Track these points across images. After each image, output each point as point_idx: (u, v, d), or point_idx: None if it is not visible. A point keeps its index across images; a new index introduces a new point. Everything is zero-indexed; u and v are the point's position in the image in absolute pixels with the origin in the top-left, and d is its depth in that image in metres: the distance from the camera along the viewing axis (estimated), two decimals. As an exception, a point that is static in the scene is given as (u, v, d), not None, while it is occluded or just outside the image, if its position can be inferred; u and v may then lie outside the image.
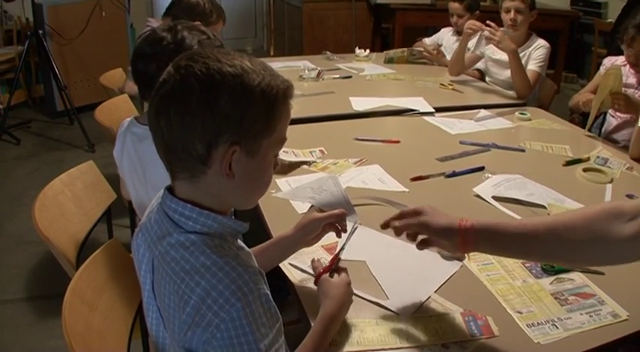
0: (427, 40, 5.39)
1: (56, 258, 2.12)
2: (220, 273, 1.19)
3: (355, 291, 1.71)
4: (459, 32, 5.03)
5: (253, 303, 1.18)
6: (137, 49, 2.14)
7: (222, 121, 1.20)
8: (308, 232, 1.75)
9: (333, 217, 1.76)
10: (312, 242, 1.78)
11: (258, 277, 1.24)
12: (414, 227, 1.62)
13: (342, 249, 1.75)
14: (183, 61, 1.24)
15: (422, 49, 5.08)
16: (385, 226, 1.68)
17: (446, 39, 5.25)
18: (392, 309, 1.66)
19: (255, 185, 1.33)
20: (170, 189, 1.34)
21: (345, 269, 1.66)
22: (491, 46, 4.14)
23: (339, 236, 1.77)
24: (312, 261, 1.68)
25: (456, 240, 1.53)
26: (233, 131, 1.21)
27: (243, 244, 1.41)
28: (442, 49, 5.19)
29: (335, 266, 1.67)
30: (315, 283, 1.60)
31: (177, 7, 3.74)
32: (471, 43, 4.43)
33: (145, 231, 1.37)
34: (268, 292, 1.25)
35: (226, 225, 1.30)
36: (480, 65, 4.79)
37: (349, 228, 1.79)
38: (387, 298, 1.71)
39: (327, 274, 1.63)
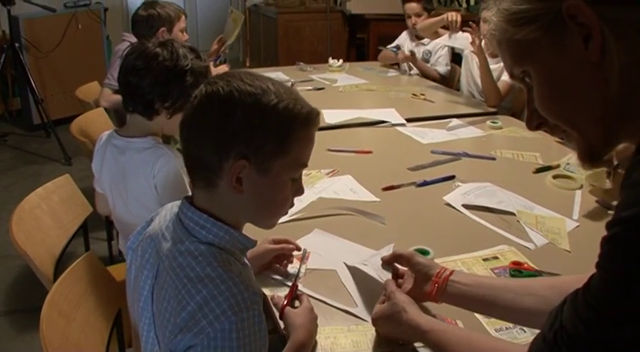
0: (389, 47, 5.42)
1: (34, 271, 2.15)
2: (223, 286, 1.23)
3: (326, 300, 1.76)
4: (417, 36, 5.13)
5: (247, 321, 1.22)
6: (128, 64, 2.17)
7: (233, 135, 1.26)
8: (260, 260, 1.86)
9: (285, 250, 1.90)
10: (259, 270, 1.87)
11: (257, 298, 1.28)
12: (403, 254, 1.66)
13: (298, 276, 1.85)
14: (212, 80, 1.33)
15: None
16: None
17: (406, 45, 5.28)
18: (361, 317, 1.69)
19: (267, 205, 1.38)
20: (188, 199, 1.39)
21: (305, 296, 1.71)
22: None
23: (283, 268, 1.89)
24: (272, 297, 1.72)
25: (432, 273, 1.57)
26: (243, 146, 1.27)
27: (247, 261, 1.46)
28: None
29: (295, 295, 1.72)
30: (281, 318, 1.63)
31: (136, 25, 3.81)
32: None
33: (155, 238, 1.41)
34: (263, 315, 1.29)
35: (237, 240, 1.35)
36: (442, 68, 4.91)
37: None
38: (357, 306, 1.74)
39: (290, 305, 1.67)
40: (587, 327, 0.86)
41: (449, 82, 5.00)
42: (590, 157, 1.03)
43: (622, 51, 0.89)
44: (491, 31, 1.05)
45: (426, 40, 5.08)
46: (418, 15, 5.01)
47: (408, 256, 1.64)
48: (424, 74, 4.99)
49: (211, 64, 3.95)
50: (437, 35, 4.61)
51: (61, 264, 2.25)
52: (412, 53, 5.05)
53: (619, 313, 0.84)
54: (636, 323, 0.82)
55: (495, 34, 1.03)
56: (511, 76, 1.08)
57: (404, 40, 5.32)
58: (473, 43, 3.91)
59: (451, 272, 1.55)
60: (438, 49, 4.99)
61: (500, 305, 1.46)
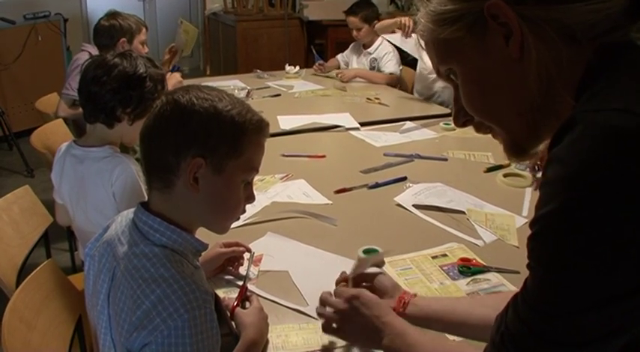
0: (339, 57, 5.50)
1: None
2: (175, 285, 1.29)
3: (278, 300, 1.82)
4: (363, 45, 5.20)
5: (199, 318, 1.28)
6: (89, 75, 2.23)
7: (191, 137, 1.35)
8: (213, 264, 1.93)
9: (237, 253, 1.97)
10: (212, 273, 1.94)
11: (208, 296, 1.33)
12: (369, 275, 1.67)
13: (247, 277, 1.92)
14: (172, 90, 1.44)
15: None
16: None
17: (354, 57, 5.36)
18: (312, 315, 1.73)
19: (220, 205, 1.45)
20: (143, 204, 1.45)
21: (254, 297, 1.76)
22: None
23: (235, 270, 1.97)
24: (223, 299, 1.75)
25: (396, 294, 1.57)
26: (200, 146, 1.35)
27: (199, 264, 1.50)
28: (350, 65, 5.36)
29: (244, 296, 1.77)
30: (231, 318, 1.68)
31: (97, 35, 3.85)
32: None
33: (112, 243, 1.45)
34: (215, 314, 1.35)
35: (189, 242, 1.41)
36: (392, 68, 5.00)
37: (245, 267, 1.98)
38: (308, 305, 1.79)
39: (240, 306, 1.72)
40: (528, 325, 0.91)
41: (403, 81, 5.10)
42: (515, 151, 1.08)
43: (540, 48, 0.94)
44: (419, 31, 1.09)
45: (371, 49, 5.14)
46: (358, 28, 5.05)
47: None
48: (372, 82, 5.00)
49: (169, 73, 4.00)
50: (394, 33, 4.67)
51: (23, 273, 2.26)
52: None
53: (552, 308, 0.88)
54: (568, 316, 0.86)
55: (423, 35, 1.08)
56: (438, 73, 1.13)
57: (351, 52, 5.41)
58: None
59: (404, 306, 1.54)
60: (384, 53, 5.05)
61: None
